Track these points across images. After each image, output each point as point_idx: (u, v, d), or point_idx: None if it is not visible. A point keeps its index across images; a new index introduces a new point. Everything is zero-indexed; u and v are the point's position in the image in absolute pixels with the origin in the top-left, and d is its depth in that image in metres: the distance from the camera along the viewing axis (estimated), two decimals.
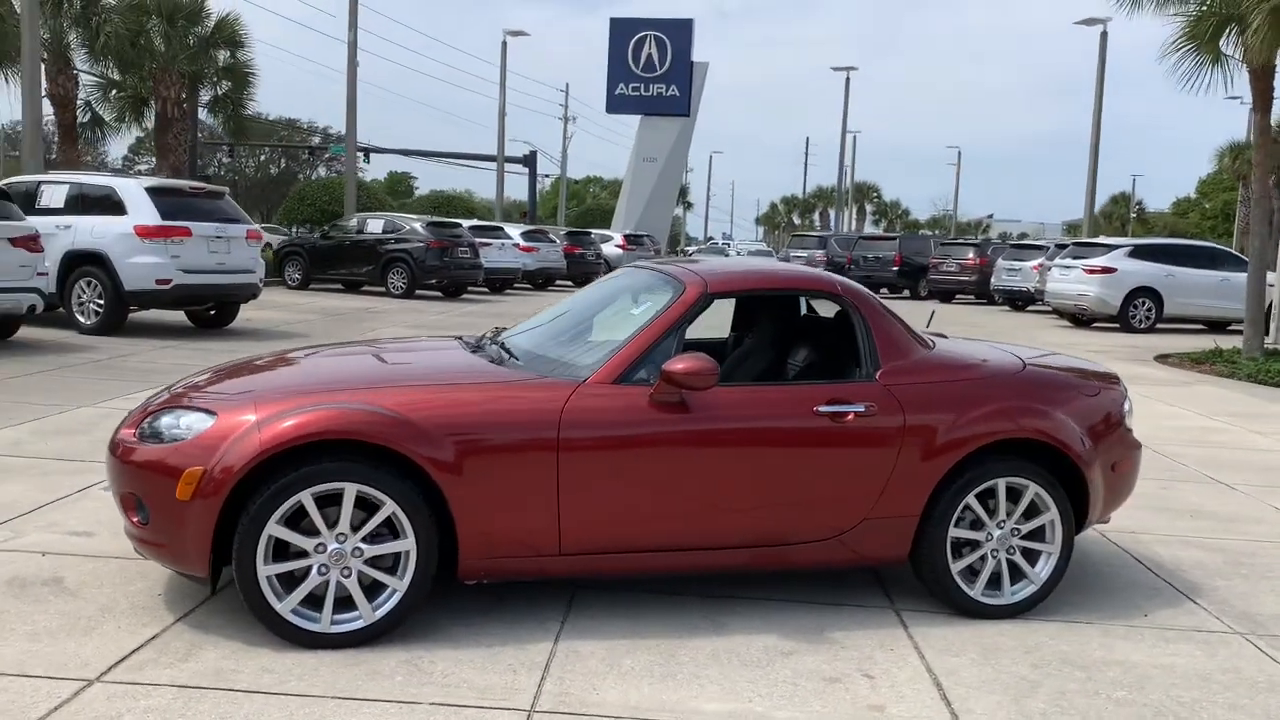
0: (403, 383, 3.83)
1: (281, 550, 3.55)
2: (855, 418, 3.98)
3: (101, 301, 11.70)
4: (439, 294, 21.83)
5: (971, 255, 28.60)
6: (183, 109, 24.47)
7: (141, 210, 11.77)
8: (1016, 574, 4.20)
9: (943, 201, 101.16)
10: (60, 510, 4.96)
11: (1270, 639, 4.10)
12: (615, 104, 41.16)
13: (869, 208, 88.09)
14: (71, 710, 3.04)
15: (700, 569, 4.05)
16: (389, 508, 3.55)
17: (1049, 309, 22.24)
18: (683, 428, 3.84)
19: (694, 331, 4.66)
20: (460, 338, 4.77)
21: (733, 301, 5.17)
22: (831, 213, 72.95)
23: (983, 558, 4.16)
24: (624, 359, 3.90)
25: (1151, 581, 4.74)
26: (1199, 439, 8.49)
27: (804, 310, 5.04)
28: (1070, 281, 19.83)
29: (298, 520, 3.54)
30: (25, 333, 11.18)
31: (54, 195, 12.19)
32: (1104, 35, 30.15)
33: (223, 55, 24.99)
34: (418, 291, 20.88)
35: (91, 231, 11.75)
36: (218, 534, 3.51)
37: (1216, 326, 19.60)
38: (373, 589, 3.62)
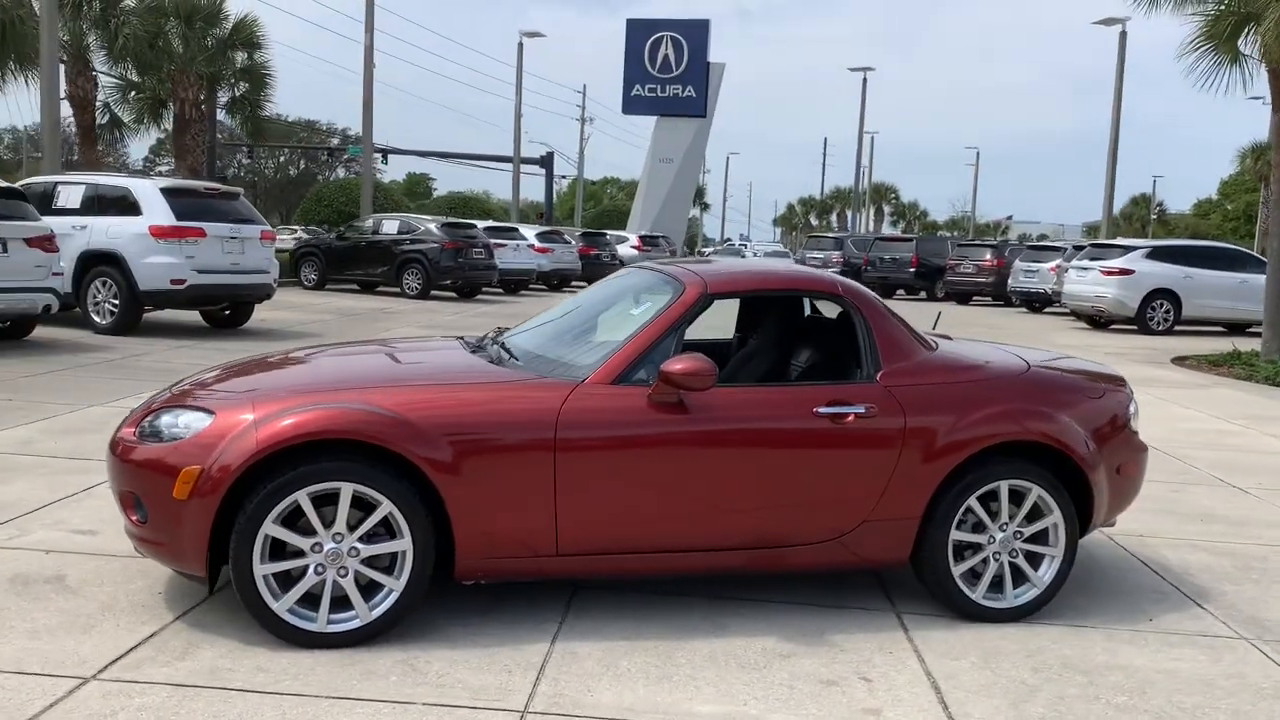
0: (400, 383, 3.83)
1: (278, 550, 3.55)
2: (855, 419, 3.95)
3: (116, 301, 11.78)
4: (454, 295, 21.88)
5: (988, 257, 28.44)
6: (201, 110, 24.65)
7: (156, 211, 11.85)
8: (1019, 577, 4.16)
9: (961, 202, 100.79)
10: (66, 509, 4.98)
11: (1277, 645, 4.05)
12: (631, 105, 41.15)
13: (887, 209, 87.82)
14: (66, 708, 3.05)
15: (700, 570, 4.03)
16: (385, 507, 3.55)
17: (1066, 311, 22.10)
18: (681, 428, 3.83)
19: (699, 332, 4.65)
20: (462, 338, 4.77)
21: (737, 302, 5.16)
22: (849, 214, 72.71)
23: (985, 561, 4.12)
24: (622, 359, 3.89)
25: (1158, 585, 4.69)
26: (1213, 442, 8.41)
27: (808, 311, 5.01)
28: (1087, 283, 19.69)
29: (295, 520, 3.55)
30: (41, 332, 11.27)
31: (70, 196, 12.28)
32: (1123, 35, 29.93)
33: (240, 57, 25.16)
34: (433, 292, 20.94)
35: (107, 232, 11.83)
36: (215, 533, 3.52)
37: (1235, 329, 19.43)
38: (369, 589, 3.62)
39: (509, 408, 3.72)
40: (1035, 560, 4.17)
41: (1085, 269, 19.88)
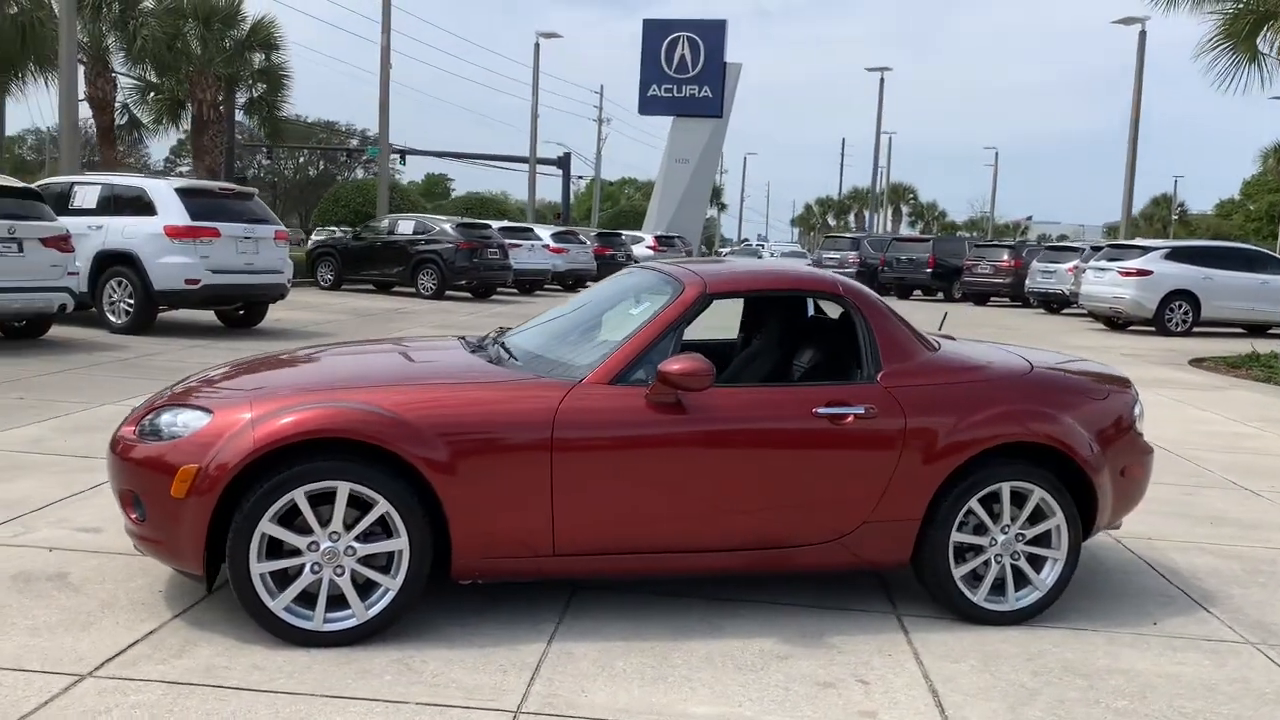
0: (398, 382, 3.82)
1: (275, 548, 3.56)
2: (855, 420, 3.93)
3: (132, 301, 11.86)
4: (469, 295, 21.93)
5: (1006, 257, 28.29)
6: (219, 111, 24.83)
7: (171, 211, 11.92)
8: (1021, 580, 4.12)
9: (980, 203, 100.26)
10: (72, 506, 5.02)
11: None
12: (647, 105, 41.11)
13: (905, 209, 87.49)
14: (61, 705, 3.07)
15: (699, 571, 4.01)
16: (382, 507, 3.55)
17: (1084, 312, 21.95)
18: (679, 429, 3.81)
19: (704, 333, 4.64)
20: (463, 337, 4.77)
21: (741, 303, 5.15)
22: (867, 214, 72.48)
23: (986, 563, 4.09)
24: (620, 359, 3.88)
25: (1165, 589, 4.65)
26: (1228, 444, 8.33)
27: (811, 311, 4.99)
28: (1105, 284, 19.56)
29: (292, 518, 3.55)
30: (57, 331, 11.36)
31: (87, 196, 12.38)
32: (1142, 34, 29.73)
33: (258, 58, 25.36)
34: (447, 292, 21.00)
35: (122, 232, 11.92)
36: (213, 531, 3.53)
37: (1256, 330, 19.26)
38: (366, 588, 3.63)
39: (506, 408, 3.72)
40: (1037, 563, 4.14)
41: (1103, 270, 19.74)
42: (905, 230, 77.46)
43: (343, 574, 3.58)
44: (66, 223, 11.05)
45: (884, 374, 4.06)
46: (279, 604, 3.54)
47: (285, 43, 25.63)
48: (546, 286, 26.24)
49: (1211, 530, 5.65)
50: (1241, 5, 13.29)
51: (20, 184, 10.83)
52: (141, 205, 12.05)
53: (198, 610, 3.83)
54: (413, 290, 21.03)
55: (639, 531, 3.82)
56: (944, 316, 6.26)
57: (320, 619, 3.56)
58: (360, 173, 62.00)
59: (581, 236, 28.03)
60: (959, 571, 4.05)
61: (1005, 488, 4.04)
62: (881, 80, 47.89)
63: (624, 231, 34.09)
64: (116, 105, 23.70)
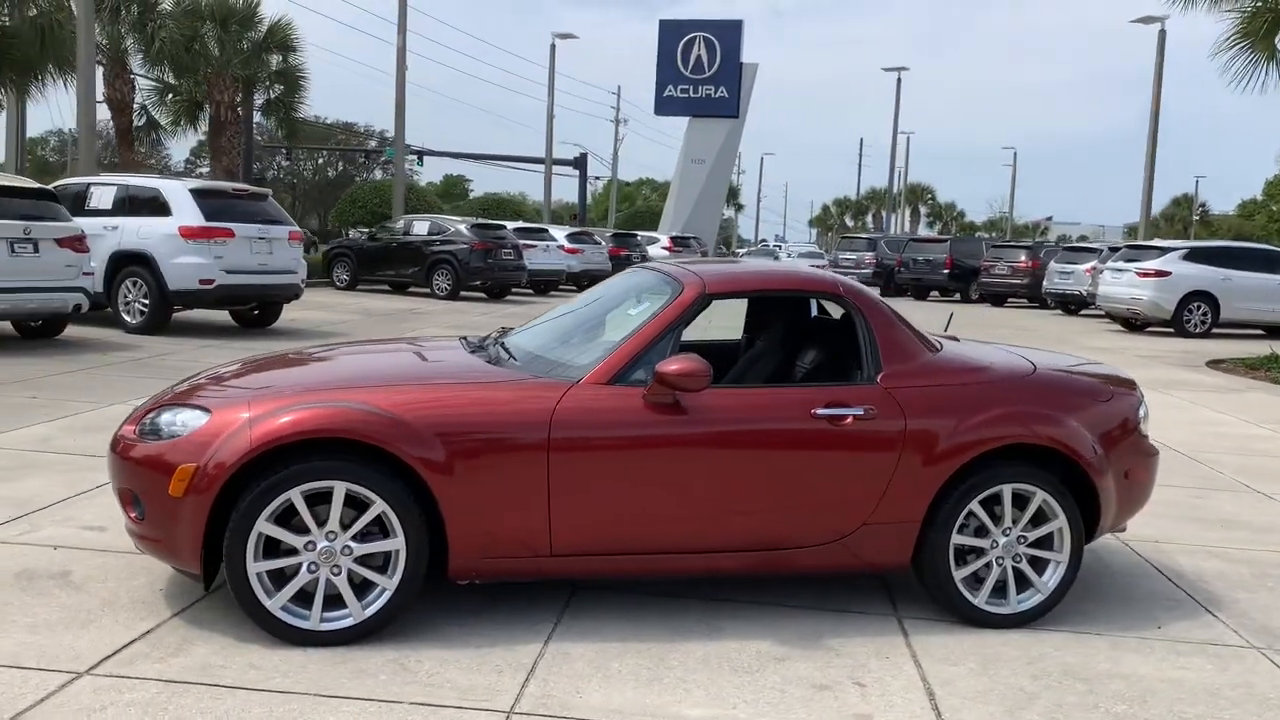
0: (396, 382, 3.83)
1: (272, 547, 3.57)
2: (854, 421, 3.91)
3: (147, 301, 11.94)
4: (483, 295, 21.98)
5: (1023, 258, 28.12)
6: (236, 112, 24.98)
7: (185, 211, 12.00)
8: (1023, 582, 4.09)
9: (999, 203, 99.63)
10: (77, 505, 5.05)
11: None
12: (664, 106, 41.14)
13: (923, 209, 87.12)
14: (56, 702, 3.08)
15: (698, 572, 4.00)
16: (378, 506, 3.56)
17: (1102, 313, 21.80)
18: (677, 430, 3.80)
19: (709, 334, 4.63)
20: (464, 338, 4.77)
21: (745, 303, 5.13)
22: (885, 215, 72.24)
23: (988, 565, 4.06)
24: (618, 360, 3.87)
25: (1171, 593, 4.60)
26: (1242, 447, 8.25)
27: (815, 312, 4.97)
28: (1123, 285, 19.42)
29: (289, 518, 3.56)
30: (72, 331, 11.45)
31: (103, 197, 12.47)
32: (1162, 33, 29.50)
33: (275, 59, 25.47)
34: (462, 293, 21.05)
35: (138, 232, 12.00)
36: (211, 530, 3.55)
37: (1275, 332, 19.07)
38: (363, 587, 3.63)
39: (503, 408, 3.71)
40: (1039, 565, 4.10)
41: (1121, 270, 19.60)
42: (923, 231, 77.18)
43: (339, 574, 3.59)
44: (83, 223, 11.14)
45: (884, 375, 4.03)
46: (276, 603, 3.54)
47: (302, 44, 25.76)
48: (561, 287, 26.25)
49: (1221, 534, 5.60)
50: (1259, 4, 13.17)
51: (36, 185, 10.93)
52: (157, 206, 12.13)
53: (197, 609, 3.85)
54: (428, 291, 21.10)
55: (638, 532, 3.81)
56: (949, 317, 6.22)
57: (317, 618, 3.56)
58: (379, 174, 62.21)
59: (596, 237, 28.04)
60: (960, 574, 4.02)
61: (1007, 490, 4.01)
62: (898, 80, 47.75)
63: (639, 232, 34.07)
64: (135, 107, 23.88)
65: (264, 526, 3.51)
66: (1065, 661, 3.77)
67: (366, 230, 24.91)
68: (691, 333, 4.20)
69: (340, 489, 3.53)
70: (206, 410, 3.68)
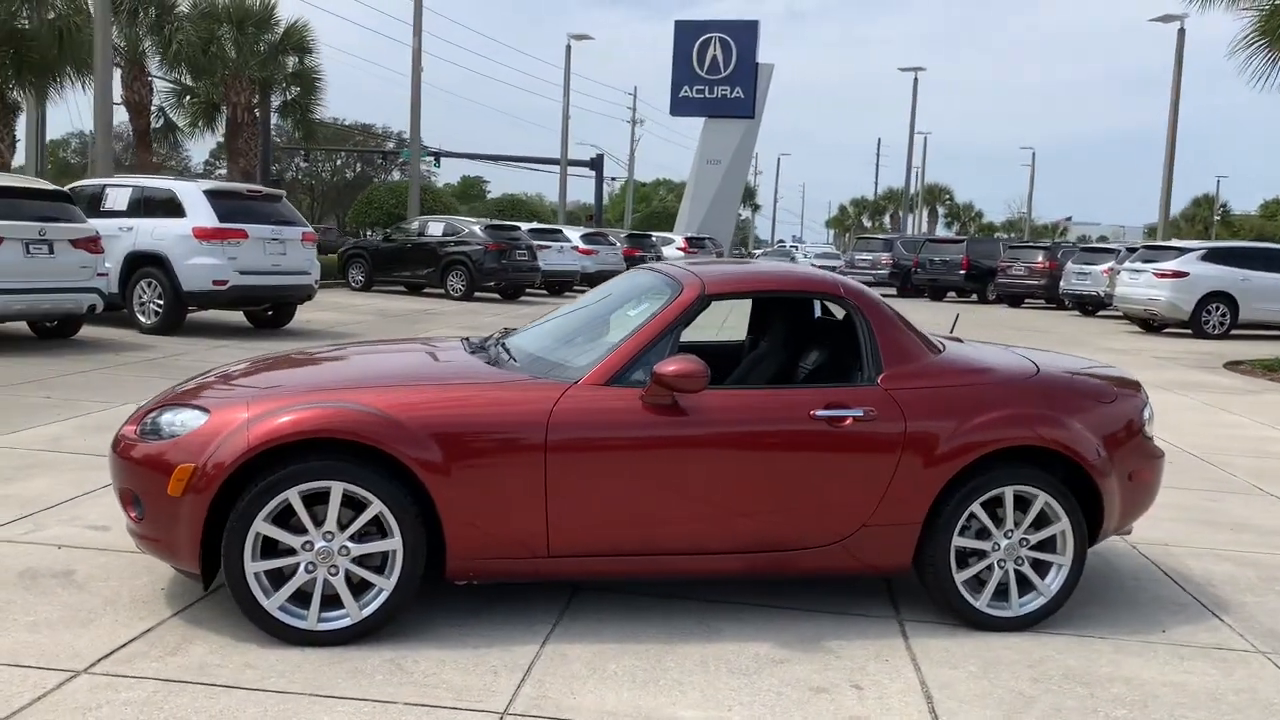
0: (395, 383, 3.83)
1: (270, 547, 3.58)
2: (854, 422, 3.89)
3: (161, 302, 12.01)
4: (497, 296, 22.01)
5: (1040, 259, 27.93)
6: (253, 114, 25.12)
7: (200, 212, 12.07)
8: (1025, 585, 4.06)
9: (1018, 203, 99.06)
10: (84, 505, 5.08)
11: None
12: (679, 106, 41.13)
13: (940, 210, 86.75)
14: (53, 700, 3.10)
15: (697, 573, 3.99)
16: (376, 507, 3.56)
17: (1119, 314, 21.64)
18: (675, 431, 3.79)
19: (712, 335, 4.61)
20: (465, 338, 4.78)
21: (749, 305, 5.11)
22: (902, 215, 71.98)
23: (989, 568, 4.03)
24: (617, 360, 3.86)
25: (1177, 596, 4.56)
26: (1257, 449, 8.16)
27: (818, 313, 4.95)
28: (1140, 286, 19.27)
29: (286, 518, 3.57)
30: (87, 331, 11.53)
31: (118, 198, 12.56)
32: (1181, 32, 29.26)
33: (291, 61, 25.59)
34: (476, 294, 21.09)
35: (152, 233, 12.08)
36: (210, 530, 3.56)
37: None
38: (360, 587, 3.64)
39: (500, 409, 3.71)
40: (1042, 568, 4.07)
41: (1138, 271, 19.45)
42: (941, 231, 76.84)
43: (337, 574, 3.60)
44: (98, 224, 11.22)
45: (885, 376, 4.01)
46: (274, 603, 3.55)
47: (318, 46, 25.94)
48: (575, 287, 26.25)
49: (1231, 536, 5.54)
50: (1277, 2, 13.04)
51: (51, 186, 11.02)
52: (171, 207, 12.20)
53: (197, 609, 3.87)
54: (442, 291, 21.15)
55: (636, 533, 3.80)
56: (955, 317, 6.18)
57: (314, 618, 3.57)
58: (396, 175, 62.45)
59: (611, 238, 28.05)
60: (961, 576, 3.99)
61: (1009, 492, 3.98)
62: (915, 80, 47.55)
63: (654, 233, 34.07)
64: (153, 109, 24.06)
65: (262, 526, 3.52)
66: (1067, 665, 3.74)
67: (383, 231, 25.02)
68: (699, 335, 4.18)
69: (337, 489, 3.54)
70: (206, 410, 3.70)
